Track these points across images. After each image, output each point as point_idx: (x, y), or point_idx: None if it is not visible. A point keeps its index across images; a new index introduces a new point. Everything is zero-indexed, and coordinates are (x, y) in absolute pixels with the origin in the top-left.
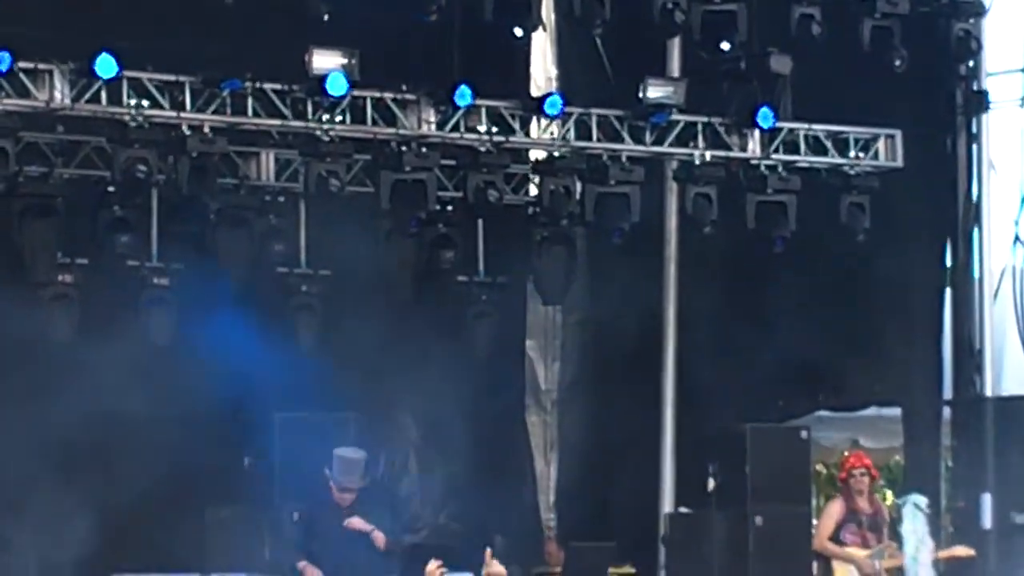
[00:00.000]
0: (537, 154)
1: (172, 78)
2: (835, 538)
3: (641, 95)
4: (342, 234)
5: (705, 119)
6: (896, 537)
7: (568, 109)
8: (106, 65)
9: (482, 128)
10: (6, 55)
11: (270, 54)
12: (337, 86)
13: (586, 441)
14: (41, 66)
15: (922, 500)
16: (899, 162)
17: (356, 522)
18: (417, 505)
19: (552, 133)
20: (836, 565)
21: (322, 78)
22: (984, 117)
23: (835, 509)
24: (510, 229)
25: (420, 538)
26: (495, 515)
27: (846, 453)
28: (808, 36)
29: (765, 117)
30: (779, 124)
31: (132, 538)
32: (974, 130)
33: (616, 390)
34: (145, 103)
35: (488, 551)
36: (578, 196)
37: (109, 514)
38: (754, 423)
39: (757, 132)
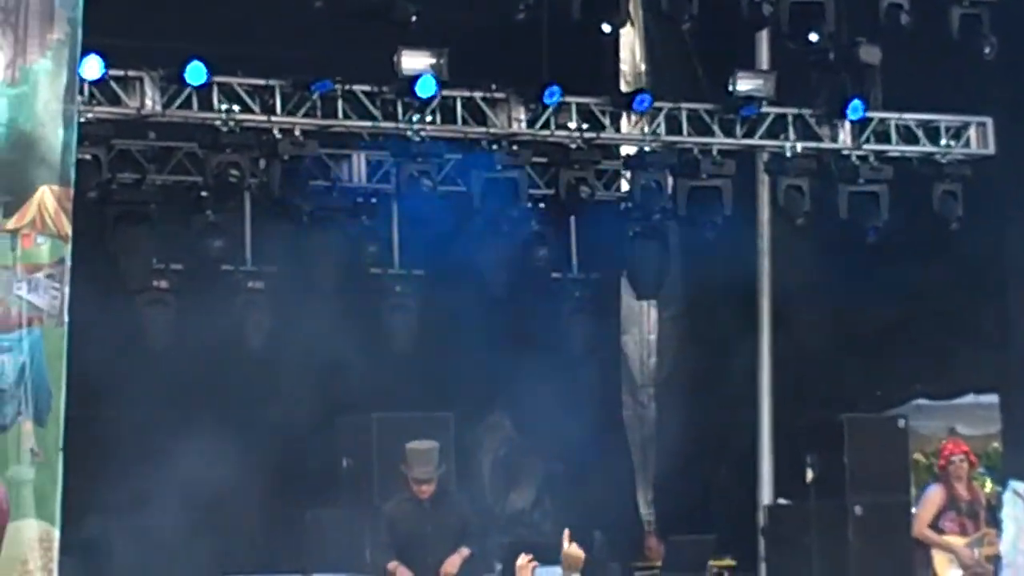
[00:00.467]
0: (628, 149)
1: (262, 82)
2: (934, 526)
3: (731, 88)
4: (435, 234)
5: (795, 111)
6: (995, 524)
7: (658, 104)
8: (196, 71)
9: (572, 125)
10: (99, 63)
11: (359, 56)
12: (426, 87)
13: (683, 435)
14: (132, 73)
15: (1021, 486)
16: (991, 149)
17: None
18: (514, 502)
19: (642, 128)
20: (935, 553)
21: (411, 79)
22: None
23: (934, 497)
24: (603, 225)
25: (517, 535)
26: (594, 511)
27: (944, 441)
28: (896, 25)
29: (855, 108)
30: (869, 114)
31: (235, 541)
32: None
33: (712, 383)
34: (236, 108)
35: (567, 532)
36: (670, 190)
37: (212, 517)
38: (851, 413)
39: (848, 123)
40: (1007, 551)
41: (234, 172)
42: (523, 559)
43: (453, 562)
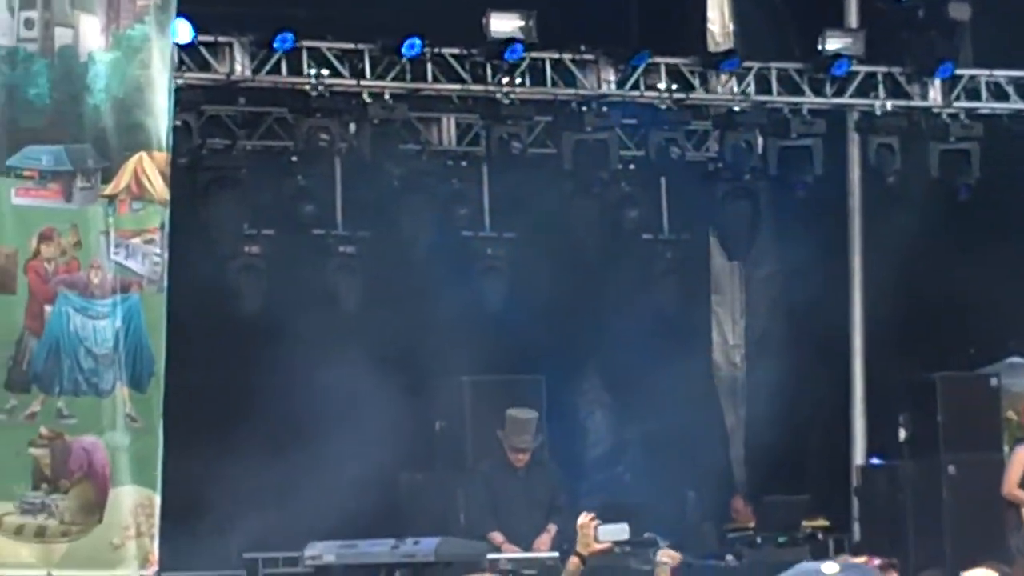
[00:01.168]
0: (717, 110)
1: (351, 46)
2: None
3: (820, 47)
4: (525, 196)
5: (885, 69)
6: None
7: (747, 63)
8: (285, 36)
9: (662, 86)
10: (189, 28)
11: (448, 18)
12: (515, 50)
13: (775, 395)
14: (221, 39)
15: None
16: None
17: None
18: (605, 465)
19: (732, 88)
20: None
21: (500, 41)
22: None
23: (1022, 455)
24: (693, 186)
25: (607, 499)
26: (687, 472)
27: None
28: None
29: (945, 65)
30: (959, 71)
31: (328, 506)
32: None
33: (804, 343)
34: (325, 72)
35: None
36: (760, 150)
37: (305, 483)
38: (944, 372)
39: (938, 80)
40: None
41: (324, 136)
42: (584, 517)
43: (544, 541)
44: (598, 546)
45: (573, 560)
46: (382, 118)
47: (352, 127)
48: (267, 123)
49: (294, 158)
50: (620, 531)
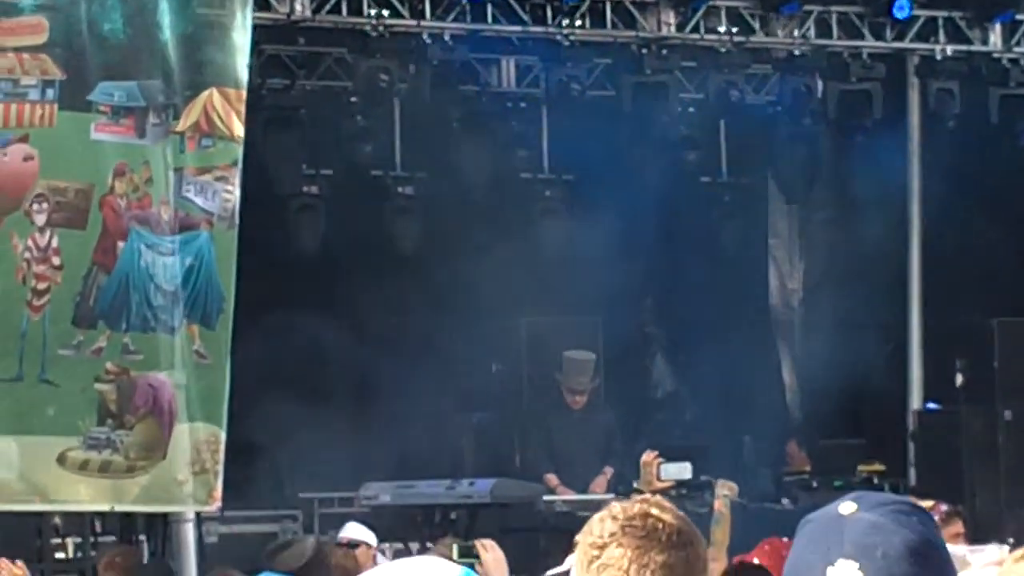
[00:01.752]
0: (777, 53)
1: None
2: None
3: None
4: (584, 139)
5: (945, 14)
6: None
7: (808, 7)
8: None
9: (722, 28)
10: None
11: None
12: None
13: (832, 339)
14: None
15: None
16: None
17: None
18: (664, 407)
19: (792, 32)
20: None
21: None
22: None
23: None
24: (752, 129)
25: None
26: (743, 416)
27: None
28: None
29: (1006, 11)
30: (1020, 16)
31: (384, 447)
32: None
33: (862, 287)
34: (385, 12)
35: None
36: (819, 94)
37: (362, 424)
38: (1002, 317)
39: (998, 25)
40: None
41: (383, 77)
42: (648, 455)
43: (600, 483)
44: (660, 484)
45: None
46: (441, 59)
47: (411, 68)
48: (326, 63)
49: (353, 99)
50: (682, 470)
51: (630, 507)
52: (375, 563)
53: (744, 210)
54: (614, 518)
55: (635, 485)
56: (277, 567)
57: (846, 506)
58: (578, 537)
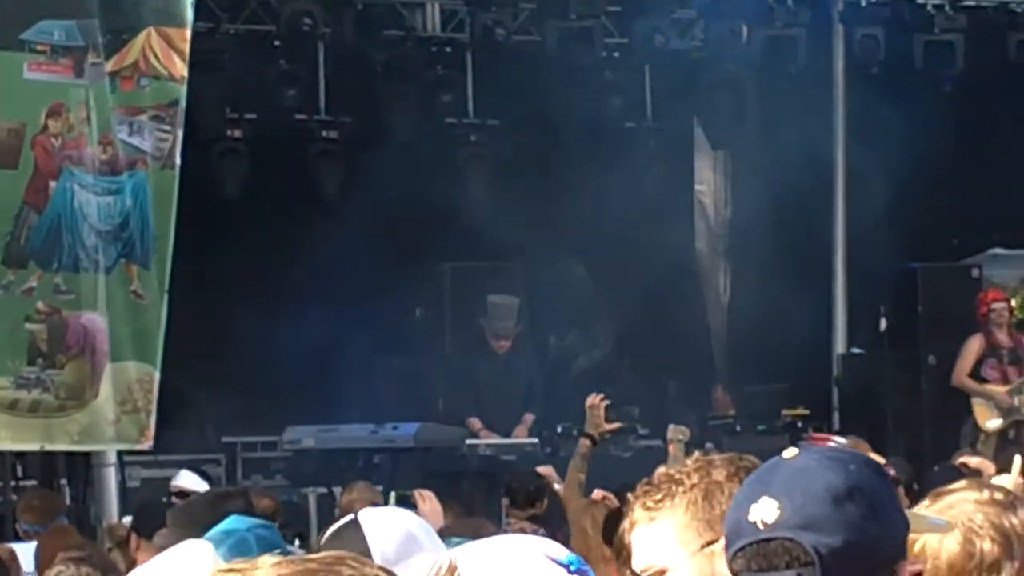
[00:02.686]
0: None
1: None
2: (975, 374)
3: None
4: (509, 84)
5: None
6: None
7: None
8: None
9: None
10: None
11: None
12: None
13: (757, 284)
14: None
15: None
16: None
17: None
18: (587, 352)
19: None
20: (975, 402)
21: None
22: None
23: (974, 345)
24: (677, 74)
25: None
26: (668, 360)
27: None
28: None
29: None
30: None
31: (306, 391)
32: None
33: (788, 233)
34: None
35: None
36: (745, 39)
37: (284, 367)
38: (926, 262)
39: None
40: None
41: (307, 21)
42: (594, 398)
43: (520, 432)
44: (609, 426)
45: (584, 442)
46: (366, 3)
47: (336, 12)
48: (250, 7)
49: (277, 42)
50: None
51: None
52: None
53: (669, 156)
54: None
55: (584, 429)
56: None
57: (790, 451)
58: None
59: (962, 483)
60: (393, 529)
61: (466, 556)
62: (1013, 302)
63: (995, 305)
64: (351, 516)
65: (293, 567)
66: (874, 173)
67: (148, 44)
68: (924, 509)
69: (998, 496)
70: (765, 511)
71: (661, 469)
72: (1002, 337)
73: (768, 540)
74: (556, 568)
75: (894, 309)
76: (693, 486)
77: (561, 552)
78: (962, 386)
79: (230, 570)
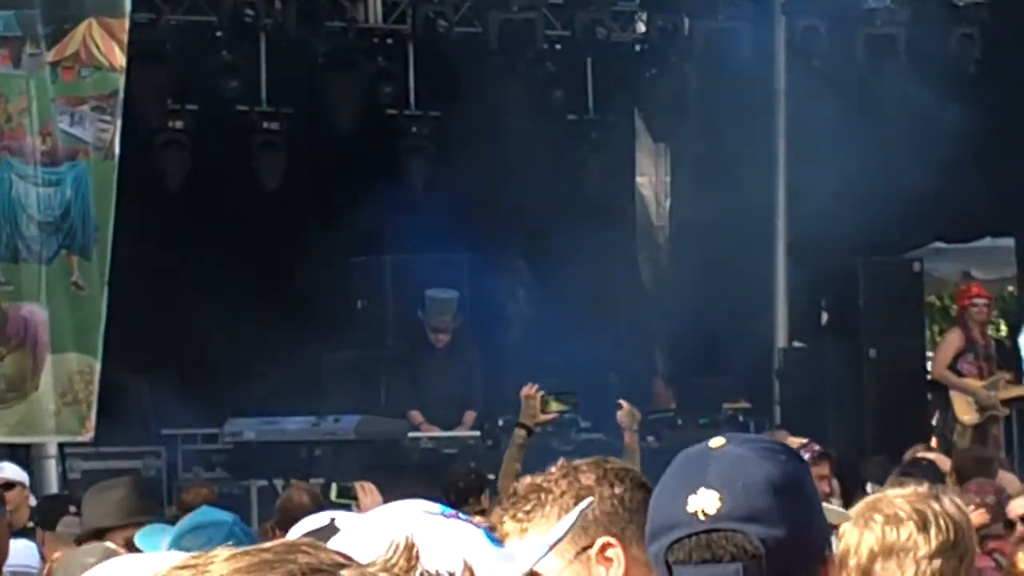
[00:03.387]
0: None
1: None
2: (953, 368)
3: None
4: (451, 75)
5: None
6: (1011, 367)
7: None
8: None
9: None
10: None
11: None
12: None
13: (698, 278)
14: None
15: None
16: None
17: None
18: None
19: None
20: (954, 395)
21: None
22: None
23: (953, 339)
24: (619, 67)
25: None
26: (609, 355)
27: (960, 285)
28: None
29: None
30: None
31: (248, 382)
32: None
33: (729, 225)
34: None
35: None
36: (687, 32)
37: (225, 361)
38: (867, 256)
39: None
40: None
41: (249, 12)
42: (530, 388)
43: (461, 430)
44: (544, 417)
45: (520, 432)
46: None
47: (277, 3)
48: None
49: (219, 33)
50: (565, 401)
51: None
52: (29, 504)
53: (610, 148)
54: None
55: (520, 420)
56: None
57: (716, 440)
58: None
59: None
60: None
61: (349, 520)
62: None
63: (977, 300)
64: (326, 519)
65: (249, 559)
66: (816, 166)
67: (89, 34)
68: (852, 509)
69: (920, 489)
70: (705, 502)
71: (527, 479)
72: (977, 333)
73: (710, 531)
74: (431, 517)
75: (835, 303)
76: (563, 493)
77: (435, 506)
78: (942, 379)
79: (184, 567)
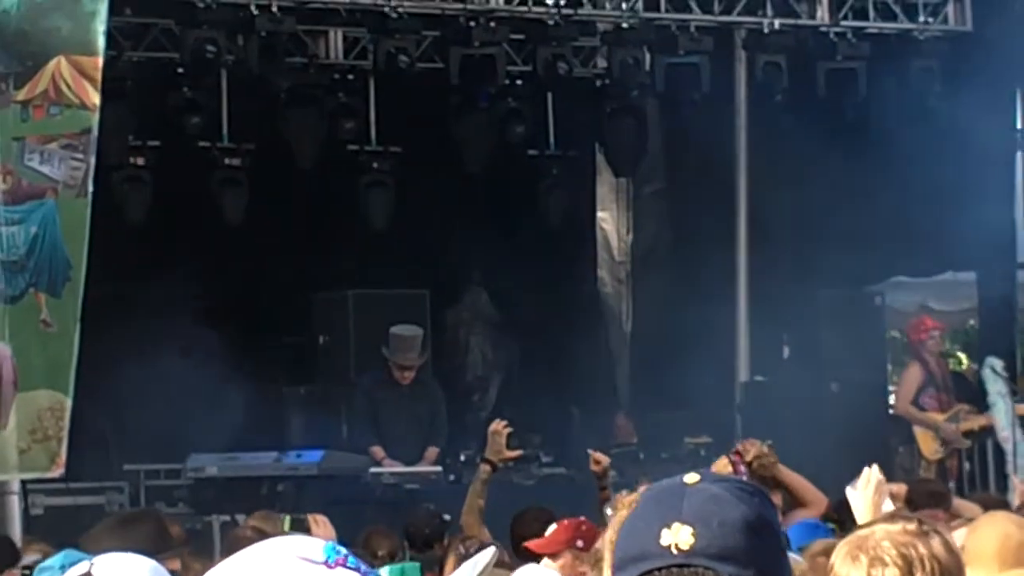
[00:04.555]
0: (605, 26)
1: None
2: (915, 403)
3: None
4: (412, 111)
5: None
6: (984, 401)
7: None
8: None
9: (550, 1)
10: None
11: None
12: None
13: (660, 312)
14: None
15: (998, 363)
16: (968, 26)
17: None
18: (489, 381)
19: (620, 4)
20: (918, 430)
21: None
22: None
23: (914, 373)
24: (580, 102)
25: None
26: (571, 388)
27: (913, 318)
28: None
29: None
30: None
31: (210, 417)
32: None
33: (690, 260)
34: None
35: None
36: (647, 67)
37: (187, 394)
38: (828, 289)
39: None
40: (1005, 425)
41: (211, 48)
42: (497, 424)
43: (424, 464)
44: (510, 453)
45: (484, 467)
46: (269, 30)
47: (239, 39)
48: (153, 34)
49: (180, 70)
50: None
51: None
52: None
53: (572, 183)
54: None
55: (485, 455)
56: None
57: (690, 476)
58: None
59: (884, 515)
60: None
61: (220, 571)
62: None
63: (933, 332)
64: (86, 567)
65: None
66: (777, 200)
67: (59, 72)
68: (843, 541)
69: (910, 527)
70: (680, 537)
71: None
72: (935, 365)
73: (683, 566)
74: (313, 567)
75: (797, 336)
76: None
77: (317, 549)
78: (907, 415)
79: None
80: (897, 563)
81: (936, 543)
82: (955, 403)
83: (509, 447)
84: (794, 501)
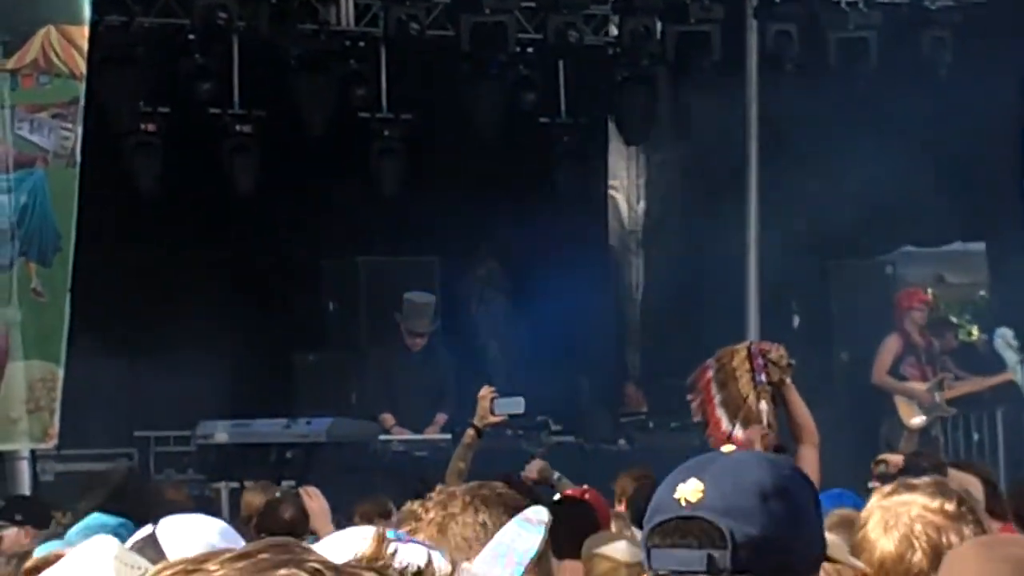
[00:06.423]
0: None
1: None
2: (894, 372)
3: None
4: (423, 78)
5: None
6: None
7: None
8: None
9: None
10: None
11: None
12: None
13: (670, 280)
14: None
15: (1008, 333)
16: None
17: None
18: (500, 347)
19: None
20: (898, 400)
21: None
22: None
23: (891, 343)
24: (591, 70)
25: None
26: (580, 357)
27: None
28: None
29: None
30: None
31: (221, 383)
32: None
33: (701, 229)
34: None
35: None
36: (658, 35)
37: (198, 362)
38: (839, 259)
39: None
40: None
41: (221, 14)
42: (485, 390)
43: (431, 432)
44: (494, 418)
45: (469, 432)
46: None
47: (250, 5)
48: (164, 0)
49: (191, 36)
50: (515, 404)
51: None
52: None
53: (583, 152)
54: None
55: (471, 420)
56: (91, 500)
57: (728, 447)
58: None
59: (927, 480)
60: (192, 542)
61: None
62: (931, 292)
63: (922, 305)
64: (150, 529)
65: (247, 560)
66: (788, 169)
67: (48, 41)
68: (883, 497)
69: (948, 508)
70: (689, 491)
71: (407, 505)
72: (918, 336)
73: (688, 518)
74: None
75: (807, 306)
76: (431, 521)
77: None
78: (883, 384)
79: (184, 570)
80: (925, 550)
81: (968, 533)
82: (938, 373)
83: (493, 412)
84: (790, 425)
